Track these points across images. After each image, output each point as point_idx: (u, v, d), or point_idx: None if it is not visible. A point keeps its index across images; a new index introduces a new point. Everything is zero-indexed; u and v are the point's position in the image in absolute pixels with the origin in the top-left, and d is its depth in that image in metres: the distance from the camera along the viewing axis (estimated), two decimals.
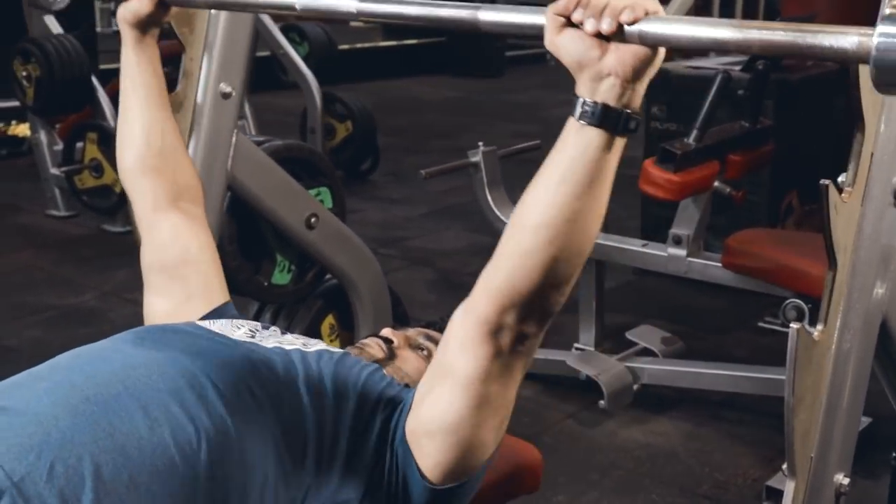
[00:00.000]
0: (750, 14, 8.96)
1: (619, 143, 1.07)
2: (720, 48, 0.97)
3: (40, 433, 1.12)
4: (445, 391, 1.21)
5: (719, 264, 2.76)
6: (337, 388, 1.32)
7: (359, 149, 5.55)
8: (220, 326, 1.40)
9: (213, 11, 1.95)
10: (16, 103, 4.90)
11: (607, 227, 3.04)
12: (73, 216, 4.76)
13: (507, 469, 1.65)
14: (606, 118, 1.04)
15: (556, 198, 1.07)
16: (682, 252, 2.82)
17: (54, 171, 4.74)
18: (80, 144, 4.52)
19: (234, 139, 2.03)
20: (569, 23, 1.04)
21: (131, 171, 1.55)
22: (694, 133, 2.66)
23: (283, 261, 2.27)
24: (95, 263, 4.15)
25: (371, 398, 1.33)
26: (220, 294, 1.55)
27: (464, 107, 8.33)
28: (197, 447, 1.16)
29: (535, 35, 1.08)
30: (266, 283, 2.26)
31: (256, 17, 5.33)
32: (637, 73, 1.03)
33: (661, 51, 1.03)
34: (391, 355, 1.55)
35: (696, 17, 1.01)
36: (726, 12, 9.42)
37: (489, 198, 3.07)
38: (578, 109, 1.05)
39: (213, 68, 1.98)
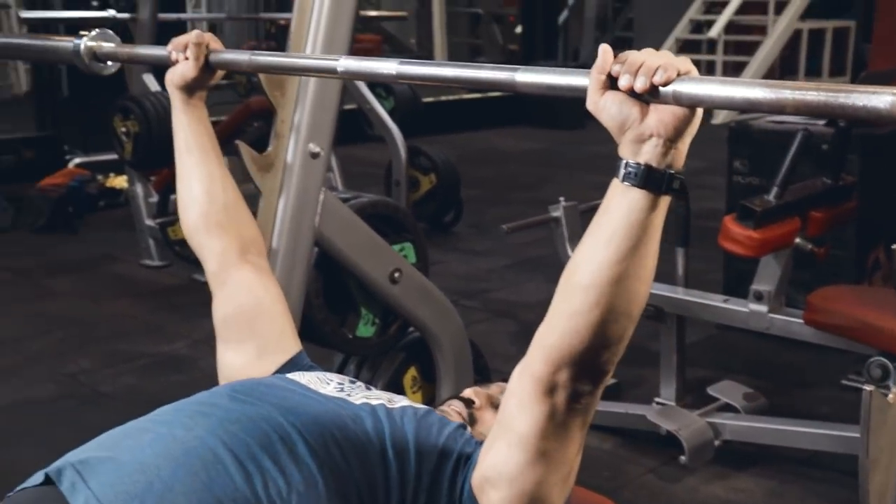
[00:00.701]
0: (838, 67, 8.90)
1: (664, 202, 1.10)
2: (754, 109, 0.99)
3: (143, 481, 1.19)
4: (504, 446, 1.25)
5: (801, 321, 2.74)
6: (419, 446, 1.36)
7: (442, 201, 5.63)
8: (309, 380, 1.46)
9: (303, 77, 2.04)
10: (114, 156, 5.10)
11: (688, 282, 3.06)
12: (165, 266, 4.92)
13: None
14: (650, 179, 1.07)
15: (603, 258, 1.10)
16: (763, 308, 2.81)
17: (149, 222, 4.92)
18: (173, 197, 4.68)
19: (321, 197, 2.11)
20: (610, 84, 1.07)
21: (197, 230, 1.63)
22: (774, 190, 2.67)
23: (367, 314, 2.34)
24: (186, 312, 4.27)
25: (450, 457, 1.37)
26: (293, 343, 1.61)
27: (545, 158, 8.38)
28: (287, 499, 1.22)
29: (575, 96, 1.12)
30: (351, 336, 2.33)
31: None
32: (678, 133, 1.06)
33: (699, 111, 1.06)
34: (472, 420, 1.59)
35: (728, 77, 1.03)
36: (813, 64, 9.37)
37: (570, 252, 3.11)
38: (622, 171, 1.08)
39: (302, 130, 2.07)
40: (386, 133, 5.55)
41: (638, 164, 1.07)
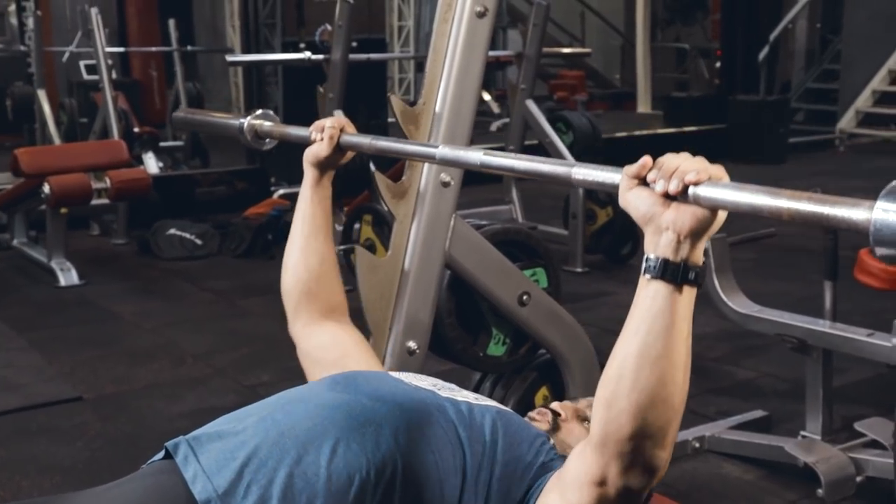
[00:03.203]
0: None
1: (688, 292, 1.18)
2: (757, 213, 1.10)
3: (242, 457, 1.39)
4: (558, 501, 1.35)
5: None
6: (496, 444, 1.50)
7: (619, 234, 5.71)
8: (405, 376, 1.63)
9: (437, 111, 2.23)
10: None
11: (836, 316, 3.04)
12: (350, 290, 5.22)
13: None
14: (666, 271, 1.17)
15: (633, 347, 1.20)
16: None
17: (335, 248, 5.25)
18: (357, 226, 5.00)
19: (452, 223, 2.28)
20: (642, 182, 1.19)
21: (290, 292, 1.86)
22: None
23: (498, 334, 2.49)
24: (363, 333, 4.53)
25: (524, 461, 1.49)
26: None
27: None
28: (365, 478, 1.39)
29: (612, 190, 1.25)
30: (482, 354, 2.49)
31: (524, 107, 5.65)
32: (693, 232, 1.16)
33: (722, 214, 1.16)
34: (555, 427, 1.71)
35: (742, 184, 1.13)
36: None
37: (717, 285, 3.15)
38: (644, 264, 1.19)
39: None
40: None
41: (657, 257, 1.17)
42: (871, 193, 1.03)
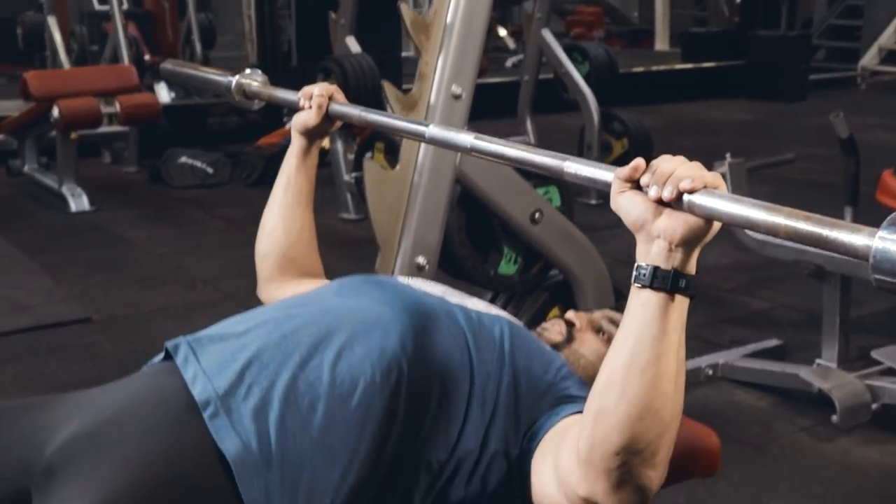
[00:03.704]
0: None
1: (680, 302, 1.13)
2: (752, 228, 1.04)
3: (244, 360, 1.36)
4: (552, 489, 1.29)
5: None
6: (507, 353, 1.45)
7: None
8: (413, 282, 1.59)
9: (448, 21, 2.17)
10: None
11: None
12: (361, 219, 5.19)
13: (682, 451, 1.71)
14: (656, 279, 1.11)
15: (621, 358, 1.14)
16: None
17: (346, 177, 5.20)
18: (369, 154, 4.94)
19: None
20: (634, 185, 1.13)
21: (266, 256, 1.79)
22: None
23: (509, 252, 2.45)
24: (371, 263, 4.50)
25: (543, 380, 1.44)
26: None
27: (755, 130, 8.16)
28: (370, 382, 1.35)
29: (604, 189, 1.18)
30: (493, 273, 2.44)
31: (539, 37, 5.55)
32: (685, 241, 1.10)
33: (716, 224, 1.10)
34: (570, 338, 1.67)
35: (741, 196, 1.07)
36: None
37: None
38: (634, 272, 1.13)
39: (445, 72, 2.19)
40: (580, 97, 5.61)
41: (647, 265, 1.12)
42: (891, 132, 0.97)
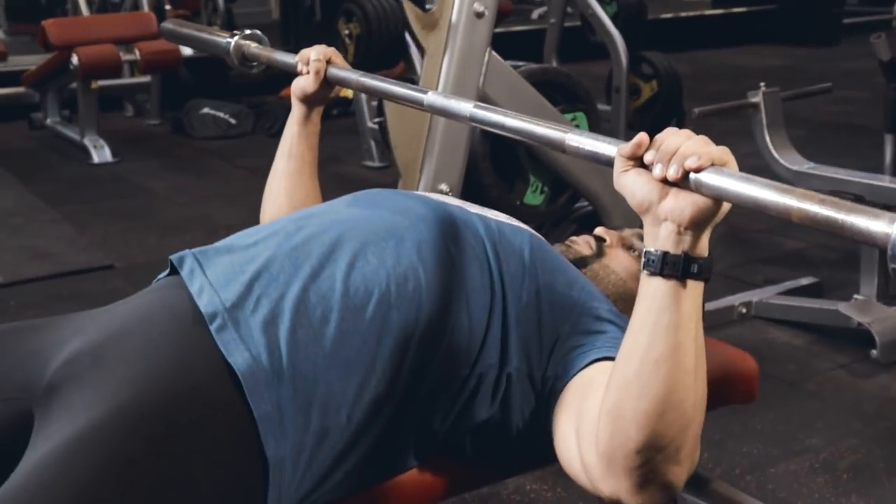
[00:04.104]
0: None
1: (693, 287, 1.05)
2: (763, 210, 0.97)
3: (252, 271, 1.28)
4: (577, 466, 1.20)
5: None
6: (529, 266, 1.38)
7: (663, 109, 5.50)
8: (431, 194, 1.51)
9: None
10: None
11: None
12: (385, 167, 5.11)
13: (719, 377, 1.64)
14: (666, 265, 1.04)
15: (638, 349, 1.07)
16: None
17: (370, 124, 5.11)
18: None
19: (486, 58, 2.14)
20: (638, 163, 1.05)
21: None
22: None
23: (535, 182, 2.36)
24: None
25: (570, 298, 1.35)
26: None
27: (787, 75, 7.97)
28: (385, 292, 1.28)
29: (607, 164, 1.10)
30: (518, 203, 2.36)
31: None
32: (694, 222, 1.03)
33: (726, 204, 1.02)
34: (600, 252, 1.59)
35: (751, 175, 0.99)
36: None
37: (768, 140, 2.99)
38: (643, 259, 1.05)
39: None
40: (607, 39, 5.47)
41: (656, 250, 1.05)
42: None
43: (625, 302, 1.52)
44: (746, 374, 1.70)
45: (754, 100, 2.99)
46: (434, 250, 1.33)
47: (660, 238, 1.04)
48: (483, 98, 2.16)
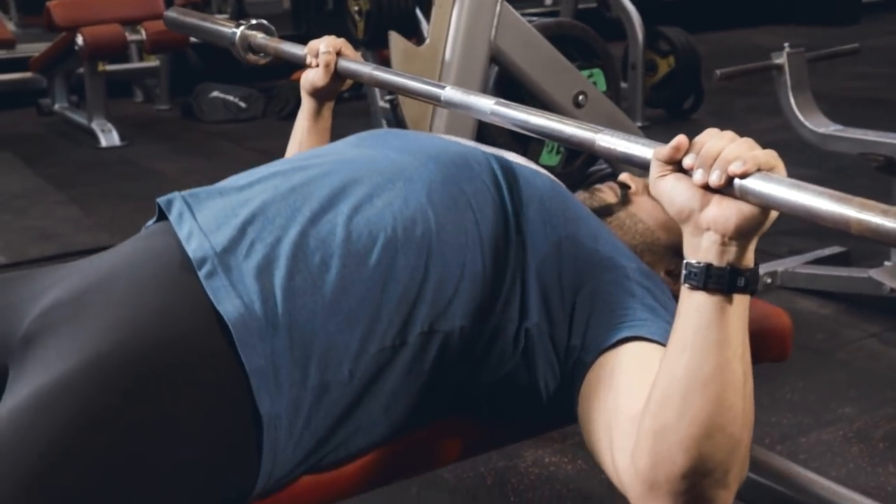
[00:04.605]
0: None
1: (739, 301, 0.96)
2: (816, 220, 0.88)
3: (246, 214, 1.18)
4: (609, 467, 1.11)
5: None
6: (544, 209, 1.27)
7: (681, 85, 5.38)
8: (443, 135, 1.41)
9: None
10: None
11: None
12: None
13: (751, 334, 1.53)
14: (710, 278, 0.95)
15: (678, 371, 0.98)
16: None
17: (381, 102, 5.01)
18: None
19: (498, 8, 2.03)
20: (677, 167, 0.97)
21: None
22: None
23: (551, 142, 2.25)
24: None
25: (595, 252, 1.25)
26: None
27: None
28: (391, 236, 1.17)
29: (642, 167, 1.04)
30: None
31: None
32: (740, 232, 0.94)
33: (773, 212, 0.93)
34: (625, 200, 1.49)
35: (803, 182, 0.90)
36: None
37: (793, 103, 2.87)
38: (684, 271, 0.97)
39: None
40: (623, 14, 5.36)
41: (698, 262, 0.96)
42: None
43: (653, 254, 1.42)
44: (780, 331, 1.60)
45: (778, 61, 2.88)
46: (445, 192, 1.22)
47: (702, 249, 0.96)
48: (496, 53, 2.06)
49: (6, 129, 5.82)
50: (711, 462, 0.98)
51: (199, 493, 1.05)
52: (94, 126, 5.34)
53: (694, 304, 0.97)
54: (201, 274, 1.12)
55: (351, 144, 1.36)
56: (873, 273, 2.70)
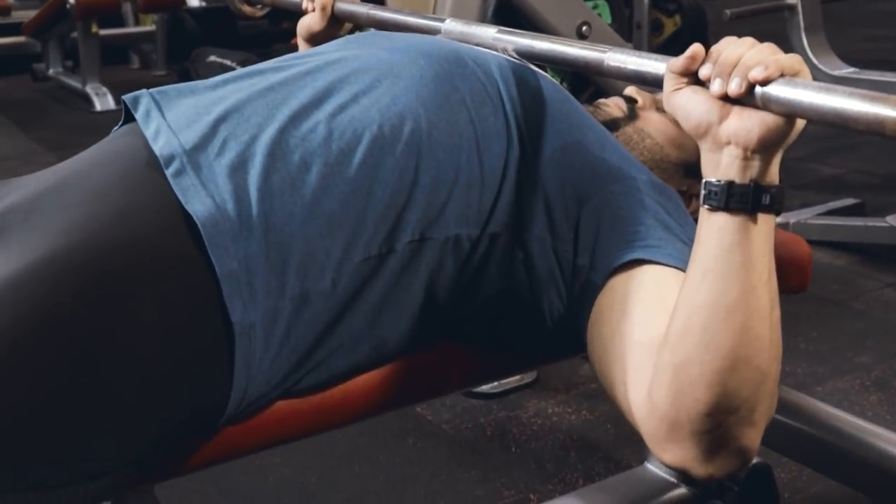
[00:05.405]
0: None
1: (764, 221, 0.87)
2: (847, 125, 0.79)
3: (220, 111, 1.08)
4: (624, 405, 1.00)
5: None
6: (546, 113, 1.16)
7: (687, 45, 5.21)
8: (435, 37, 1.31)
9: None
10: None
11: None
12: None
13: None
14: (732, 197, 0.87)
15: (699, 298, 0.89)
16: None
17: None
18: None
19: None
20: (693, 79, 0.89)
21: None
22: None
23: (554, 76, 2.14)
24: None
25: (603, 161, 1.14)
26: None
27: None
28: (377, 134, 1.07)
29: (655, 84, 0.98)
30: None
31: None
32: (763, 144, 0.85)
33: (800, 122, 0.85)
34: (632, 115, 1.38)
35: (831, 84, 0.81)
36: None
37: (806, 45, 2.76)
38: (703, 191, 0.88)
39: None
40: None
41: (719, 181, 0.87)
42: None
43: (662, 171, 1.32)
44: (799, 259, 1.49)
45: (791, 1, 2.76)
46: (437, 88, 1.12)
47: (722, 165, 0.88)
48: None
49: None
50: (738, 398, 0.89)
51: (164, 408, 0.95)
52: (89, 90, 5.25)
53: (715, 227, 0.88)
54: (168, 173, 1.01)
55: (336, 47, 1.25)
56: (891, 219, 2.59)
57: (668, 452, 0.92)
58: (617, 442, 1.95)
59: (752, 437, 0.92)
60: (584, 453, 1.92)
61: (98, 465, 0.92)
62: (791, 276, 1.49)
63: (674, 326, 0.91)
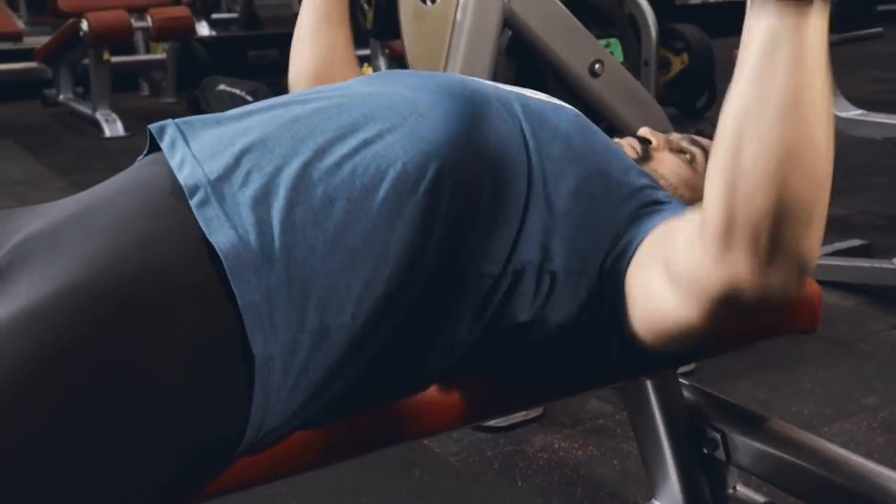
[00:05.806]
0: None
1: (816, 14, 0.82)
2: None
3: (244, 143, 1.09)
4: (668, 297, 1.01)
5: None
6: (570, 147, 1.17)
7: (694, 83, 5.29)
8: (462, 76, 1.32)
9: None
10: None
11: None
12: None
13: None
14: None
15: (749, 102, 0.85)
16: None
17: (382, 59, 4.96)
18: None
19: None
20: None
21: (296, 81, 1.56)
22: None
23: None
24: None
25: (625, 183, 1.15)
26: None
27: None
28: (401, 172, 1.07)
29: None
30: None
31: None
32: None
33: None
34: (646, 156, 1.39)
35: None
36: None
37: None
38: None
39: None
40: (636, 10, 5.27)
41: None
42: None
43: None
44: (809, 300, 1.50)
45: None
46: (461, 128, 1.12)
47: None
48: (510, 17, 1.98)
49: (10, 119, 5.76)
50: (796, 204, 0.86)
51: (182, 439, 0.95)
52: (98, 116, 5.28)
53: (763, 21, 0.83)
54: (193, 203, 1.02)
55: (360, 82, 1.27)
56: None
57: (720, 270, 0.89)
58: (623, 478, 1.95)
59: (811, 247, 0.89)
60: (590, 489, 1.92)
61: (115, 494, 0.92)
62: (801, 317, 1.50)
63: (723, 142, 0.88)
